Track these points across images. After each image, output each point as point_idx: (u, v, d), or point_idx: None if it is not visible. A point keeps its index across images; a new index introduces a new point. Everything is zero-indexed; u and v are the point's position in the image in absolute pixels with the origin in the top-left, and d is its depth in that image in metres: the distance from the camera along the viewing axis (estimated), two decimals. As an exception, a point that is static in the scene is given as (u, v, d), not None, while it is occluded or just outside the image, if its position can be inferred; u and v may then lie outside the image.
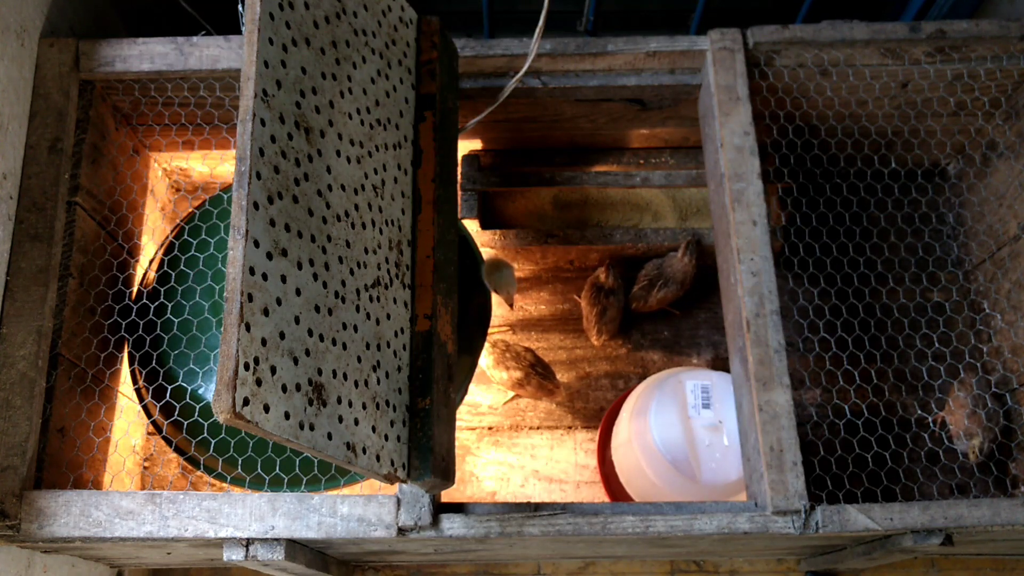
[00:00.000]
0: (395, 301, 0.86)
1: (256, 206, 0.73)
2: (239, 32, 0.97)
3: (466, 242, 1.14)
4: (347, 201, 0.83)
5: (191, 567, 1.10)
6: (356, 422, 0.78)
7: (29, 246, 0.96)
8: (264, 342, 0.72)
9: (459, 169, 1.20)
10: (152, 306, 1.01)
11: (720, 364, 1.38)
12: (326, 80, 0.83)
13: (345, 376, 0.78)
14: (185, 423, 0.96)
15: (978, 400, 1.21)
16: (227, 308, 0.70)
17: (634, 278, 1.40)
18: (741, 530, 0.90)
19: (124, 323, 1.03)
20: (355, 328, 0.80)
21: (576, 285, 1.44)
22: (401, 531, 0.88)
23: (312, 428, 0.74)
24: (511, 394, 1.37)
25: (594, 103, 1.18)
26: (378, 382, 0.82)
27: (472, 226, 1.37)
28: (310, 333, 0.76)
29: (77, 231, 0.99)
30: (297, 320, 0.75)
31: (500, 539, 0.91)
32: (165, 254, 1.05)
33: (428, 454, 0.81)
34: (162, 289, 1.02)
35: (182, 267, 1.02)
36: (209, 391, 0.96)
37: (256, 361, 0.71)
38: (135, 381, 1.03)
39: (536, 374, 1.30)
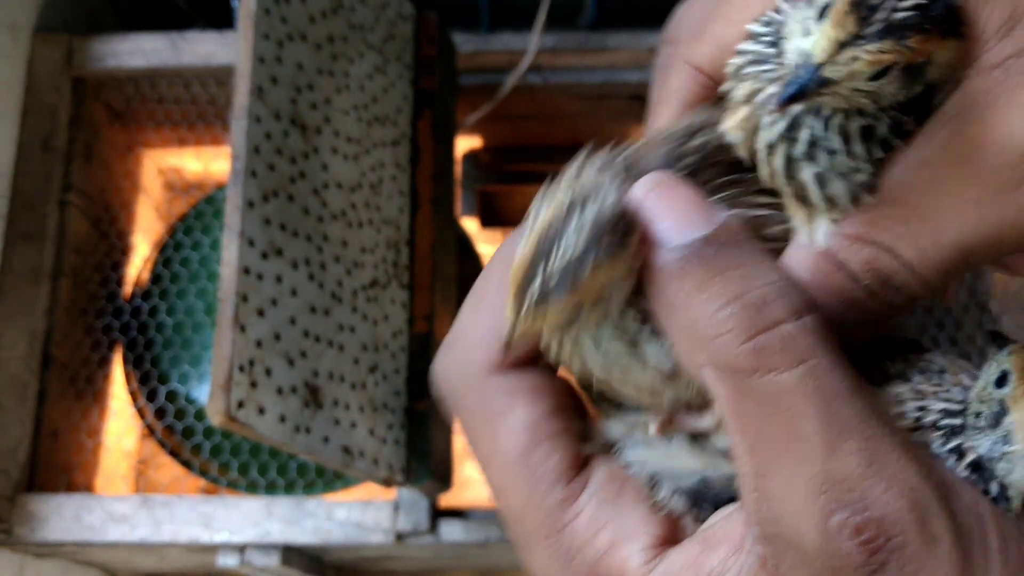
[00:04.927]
0: (393, 302, 0.84)
1: (251, 205, 0.72)
2: (233, 26, 0.96)
3: (465, 242, 1.12)
4: (344, 200, 0.81)
5: (185, 572, 1.09)
6: (353, 425, 0.77)
7: (21, 245, 0.95)
8: (259, 344, 0.71)
9: (459, 167, 1.19)
10: (146, 307, 1.00)
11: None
12: (322, 76, 0.82)
13: (342, 378, 0.77)
14: (179, 426, 0.95)
15: None
16: (221, 309, 0.69)
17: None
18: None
19: (118, 324, 1.02)
20: (352, 329, 0.79)
21: (577, 285, 1.43)
22: (399, 537, 0.87)
23: (308, 431, 0.73)
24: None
25: (596, 100, 1.17)
26: (375, 384, 0.80)
27: (472, 225, 1.36)
28: (306, 334, 0.75)
29: (70, 230, 0.98)
30: (293, 321, 0.74)
31: (500, 545, 0.90)
32: (159, 254, 1.04)
33: (426, 457, 0.81)
34: (156, 289, 1.01)
35: (176, 267, 1.00)
36: (203, 393, 0.95)
37: (251, 363, 0.70)
38: (128, 383, 1.02)
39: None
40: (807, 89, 0.23)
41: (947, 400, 0.26)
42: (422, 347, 0.85)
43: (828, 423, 0.23)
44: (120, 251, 1.08)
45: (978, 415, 0.25)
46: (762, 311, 0.24)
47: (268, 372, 0.71)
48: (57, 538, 0.86)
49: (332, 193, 0.80)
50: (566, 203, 0.25)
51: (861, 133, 0.25)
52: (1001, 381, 0.25)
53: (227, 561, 0.87)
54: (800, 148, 0.25)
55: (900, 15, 0.22)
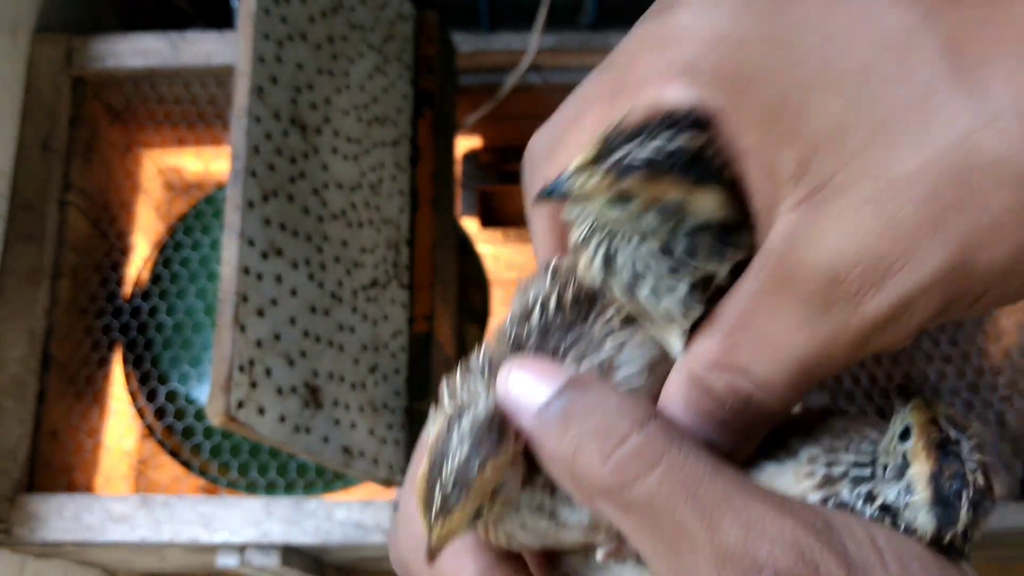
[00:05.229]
0: (392, 302, 0.84)
1: (251, 205, 0.72)
2: (233, 26, 0.96)
3: (465, 241, 1.12)
4: (343, 199, 0.81)
5: (185, 572, 1.09)
6: (353, 425, 0.77)
7: (21, 245, 0.95)
8: (259, 344, 0.71)
9: (459, 167, 1.19)
10: (146, 307, 1.00)
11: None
12: (322, 76, 0.82)
13: (342, 378, 0.77)
14: (179, 426, 0.95)
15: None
16: (221, 309, 0.69)
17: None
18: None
19: (118, 324, 1.02)
20: (352, 330, 0.79)
21: (577, 285, 1.42)
22: (399, 536, 0.86)
23: (308, 431, 0.73)
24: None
25: (596, 100, 1.17)
26: (375, 384, 0.80)
27: (472, 225, 1.36)
28: (306, 334, 0.75)
29: (69, 230, 0.98)
30: (293, 321, 0.74)
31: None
32: (159, 254, 1.04)
33: (426, 458, 0.80)
34: (156, 289, 1.01)
35: (176, 267, 1.00)
36: (203, 393, 0.95)
37: (251, 363, 0.70)
38: (128, 383, 1.01)
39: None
40: (552, 192, 0.27)
41: (857, 452, 0.28)
42: (422, 347, 0.85)
43: (699, 508, 0.25)
44: (120, 251, 1.08)
45: (885, 467, 0.28)
46: (610, 433, 0.26)
47: (268, 372, 0.70)
48: (57, 538, 0.86)
49: (332, 193, 0.80)
50: (448, 419, 0.29)
51: (685, 251, 0.28)
52: (904, 435, 0.28)
53: (227, 561, 0.87)
54: (629, 273, 0.28)
55: (630, 158, 0.26)
